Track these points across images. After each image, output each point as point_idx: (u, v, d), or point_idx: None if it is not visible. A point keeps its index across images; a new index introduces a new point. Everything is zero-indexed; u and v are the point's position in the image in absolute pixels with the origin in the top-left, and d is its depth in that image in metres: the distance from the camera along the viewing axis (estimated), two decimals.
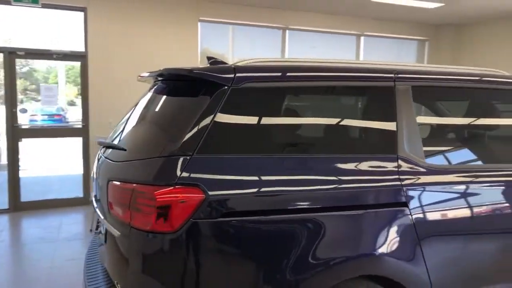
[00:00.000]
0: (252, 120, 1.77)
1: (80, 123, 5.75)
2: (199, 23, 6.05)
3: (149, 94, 2.26)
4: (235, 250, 1.61)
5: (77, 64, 5.77)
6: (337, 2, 5.93)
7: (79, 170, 5.88)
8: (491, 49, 6.98)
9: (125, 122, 2.29)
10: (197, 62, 6.10)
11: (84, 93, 5.67)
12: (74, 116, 8.78)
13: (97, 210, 2.10)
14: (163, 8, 5.83)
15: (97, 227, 2.67)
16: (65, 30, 5.70)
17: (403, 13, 6.62)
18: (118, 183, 1.73)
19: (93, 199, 2.31)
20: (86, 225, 4.90)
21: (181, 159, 1.60)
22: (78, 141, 5.78)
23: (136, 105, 2.38)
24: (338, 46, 7.19)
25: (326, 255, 1.70)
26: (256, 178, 1.67)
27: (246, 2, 6.06)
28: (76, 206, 5.67)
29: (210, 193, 1.59)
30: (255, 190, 1.65)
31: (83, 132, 5.71)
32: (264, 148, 1.75)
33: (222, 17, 6.17)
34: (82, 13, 5.55)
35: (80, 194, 5.84)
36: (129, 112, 2.39)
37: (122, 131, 2.21)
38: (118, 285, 1.73)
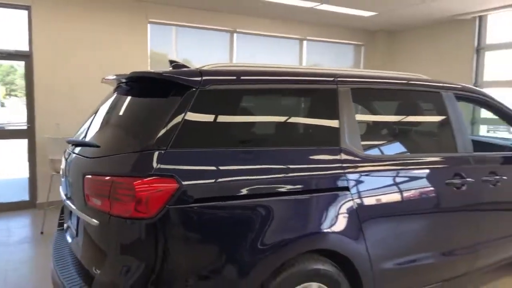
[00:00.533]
0: (218, 118, 2.01)
1: (25, 124, 5.59)
2: (148, 25, 6.13)
3: (115, 96, 2.41)
4: (206, 231, 1.84)
5: (21, 64, 5.60)
6: (281, 8, 6.30)
7: (24, 173, 5.71)
8: (418, 53, 7.75)
9: (92, 122, 2.43)
10: (147, 63, 6.18)
11: (29, 94, 5.53)
12: (3, 118, 8.39)
13: (69, 205, 2.22)
14: (112, 9, 5.84)
15: (61, 224, 2.77)
16: (8, 28, 5.52)
17: (341, 20, 7.15)
18: (96, 176, 1.89)
19: (63, 196, 2.42)
20: (34, 228, 4.82)
21: (156, 153, 1.80)
22: (22, 143, 5.62)
23: (101, 105, 2.52)
24: (283, 49, 7.58)
25: (282, 232, 1.98)
26: (222, 168, 1.91)
27: (195, 5, 6.23)
28: (22, 209, 5.52)
29: (184, 183, 1.81)
30: (222, 179, 1.89)
31: (28, 133, 5.56)
32: (228, 142, 2.00)
33: (172, 19, 6.30)
34: (26, 12, 5.42)
35: (26, 197, 5.68)
36: (95, 113, 2.52)
37: (90, 129, 2.35)
38: (97, 270, 1.88)
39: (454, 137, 2.81)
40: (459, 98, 3.01)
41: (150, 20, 6.14)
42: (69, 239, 2.42)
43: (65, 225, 2.61)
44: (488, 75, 6.83)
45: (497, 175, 2.91)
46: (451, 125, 2.82)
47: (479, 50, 6.87)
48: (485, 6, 6.14)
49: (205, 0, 5.79)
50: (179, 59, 6.52)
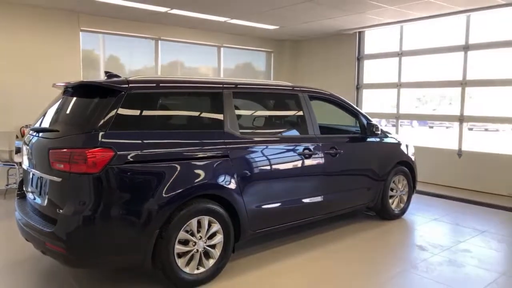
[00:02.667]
0: (140, 111, 3.13)
1: None
2: (80, 33, 6.94)
3: (64, 97, 3.42)
4: (132, 181, 2.94)
5: None
6: (199, 20, 7.43)
7: None
8: (316, 59, 9.33)
9: (45, 116, 3.42)
10: (80, 67, 6.97)
11: None
12: None
13: (35, 171, 3.20)
14: (47, 19, 6.56)
15: (20, 190, 3.71)
16: None
17: (252, 31, 8.47)
18: (59, 149, 2.92)
19: (25, 167, 3.39)
20: None
21: (100, 133, 2.87)
22: None
23: (52, 105, 3.51)
24: (203, 55, 8.72)
25: (185, 182, 3.14)
26: (143, 142, 3.03)
27: (123, 16, 7.14)
28: None
29: (118, 152, 2.90)
30: (143, 150, 3.01)
31: None
32: (148, 126, 3.13)
33: (102, 28, 7.16)
34: None
35: None
36: (47, 110, 3.50)
37: (45, 121, 3.35)
38: (60, 210, 2.90)
39: (306, 124, 4.19)
40: (313, 98, 4.42)
41: (82, 28, 6.95)
42: (31, 199, 3.37)
43: (26, 191, 3.53)
44: (366, 79, 8.58)
45: (336, 150, 4.35)
46: (304, 116, 4.20)
47: (359, 59, 8.60)
48: (363, 24, 7.80)
49: (131, 11, 6.73)
50: (111, 62, 7.41)
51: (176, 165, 3.14)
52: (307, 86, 4.49)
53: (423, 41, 7.55)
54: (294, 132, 4.32)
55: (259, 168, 3.70)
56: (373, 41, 8.45)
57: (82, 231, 2.82)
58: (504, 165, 6.49)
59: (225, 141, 3.49)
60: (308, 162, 4.08)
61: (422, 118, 8.84)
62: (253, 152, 3.68)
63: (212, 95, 3.59)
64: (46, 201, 3.11)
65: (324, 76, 9.09)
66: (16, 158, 5.52)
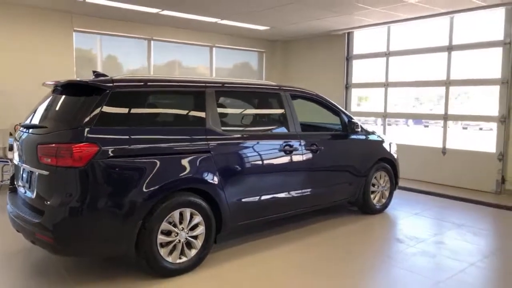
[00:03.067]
0: (124, 108, 3.31)
1: None
2: (74, 33, 7.11)
3: (53, 95, 3.59)
4: (115, 174, 3.10)
5: None
6: (191, 21, 7.60)
7: None
8: (306, 58, 9.50)
9: (35, 113, 3.58)
10: (73, 66, 7.14)
11: None
12: None
13: (25, 166, 3.37)
14: (41, 19, 6.72)
15: (11, 184, 3.87)
16: None
17: (244, 31, 8.64)
18: (46, 144, 3.09)
19: (16, 162, 3.55)
20: None
21: (86, 129, 3.04)
22: None
23: (42, 102, 3.67)
24: (195, 55, 8.90)
25: (169, 176, 3.31)
26: (126, 138, 3.20)
27: (116, 16, 7.31)
28: None
29: (102, 147, 3.07)
30: (126, 145, 3.18)
31: None
32: (131, 123, 3.30)
33: (95, 28, 7.32)
34: None
35: None
36: (37, 108, 3.66)
37: (35, 118, 3.52)
38: (47, 202, 3.07)
39: (287, 121, 4.36)
40: (295, 96, 4.60)
41: (75, 29, 7.12)
42: (21, 192, 3.54)
43: (17, 185, 3.70)
44: (355, 78, 8.76)
45: (317, 146, 4.53)
46: (286, 114, 4.38)
47: (348, 59, 8.78)
48: (351, 25, 7.97)
49: (123, 12, 6.90)
50: (107, 62, 7.58)
51: (158, 160, 3.31)
52: (289, 85, 4.66)
53: (410, 42, 7.73)
54: (275, 129, 4.49)
55: (240, 163, 3.87)
56: (361, 41, 8.63)
57: (68, 221, 2.99)
58: (485, 162, 6.67)
59: (207, 137, 3.66)
60: (288, 158, 4.25)
61: (409, 117, 9.03)
62: (234, 148, 3.85)
63: (195, 93, 3.76)
64: (35, 194, 3.28)
65: (314, 76, 9.27)
66: (10, 155, 5.68)
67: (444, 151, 7.25)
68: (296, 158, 4.32)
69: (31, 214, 3.25)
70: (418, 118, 8.81)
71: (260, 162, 4.03)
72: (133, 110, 3.41)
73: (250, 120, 4.53)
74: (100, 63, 7.65)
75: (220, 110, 3.91)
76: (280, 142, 4.22)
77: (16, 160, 3.67)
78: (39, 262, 3.73)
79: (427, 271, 3.60)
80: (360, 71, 8.71)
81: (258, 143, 4.05)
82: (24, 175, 3.49)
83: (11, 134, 5.67)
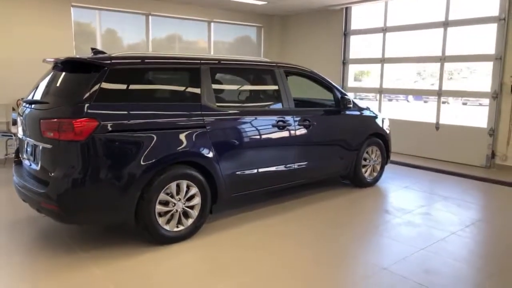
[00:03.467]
0: (122, 85, 3.45)
1: None
2: (72, 8, 7.14)
3: (53, 72, 3.73)
4: (114, 147, 3.28)
5: None
6: None
7: None
8: (304, 34, 9.52)
9: (37, 89, 3.73)
10: (72, 41, 7.21)
11: None
12: None
13: (29, 140, 3.55)
14: None
15: (16, 157, 4.06)
16: None
17: (241, 6, 8.64)
18: (49, 119, 3.25)
19: (20, 136, 3.73)
20: None
21: (86, 105, 3.20)
22: None
23: (43, 79, 3.81)
24: (194, 30, 8.92)
25: (166, 150, 3.50)
26: (124, 113, 3.36)
27: None
28: None
29: (102, 122, 3.23)
30: (124, 120, 3.34)
31: None
32: (129, 99, 3.45)
33: (94, 3, 7.35)
34: None
35: None
36: (38, 83, 3.81)
37: (37, 94, 3.66)
38: (52, 173, 3.26)
39: (281, 97, 4.51)
40: (289, 73, 4.73)
41: (73, 4, 7.15)
42: (27, 165, 3.74)
43: (22, 158, 3.89)
44: (352, 54, 8.81)
45: (310, 122, 4.68)
46: (279, 90, 4.52)
47: (346, 34, 8.80)
48: (349, 0, 7.97)
49: None
50: (106, 36, 7.63)
51: (155, 135, 3.48)
52: (283, 62, 4.78)
53: (407, 18, 7.75)
54: (269, 105, 4.64)
55: (235, 138, 4.05)
56: (359, 17, 8.63)
57: (71, 191, 3.19)
58: (477, 138, 6.84)
59: (202, 113, 3.82)
60: (281, 133, 4.42)
61: (404, 93, 9.11)
62: (229, 123, 4.01)
63: (190, 70, 3.89)
64: (39, 166, 3.47)
65: (312, 51, 9.31)
66: (13, 129, 5.86)
67: (437, 126, 7.41)
68: (289, 133, 4.49)
69: (36, 185, 3.44)
70: (413, 94, 8.92)
71: (253, 137, 4.20)
72: (131, 87, 3.55)
73: (244, 96, 4.68)
74: (100, 38, 7.70)
75: (215, 86, 4.04)
76: (274, 117, 4.38)
77: (20, 134, 3.84)
78: (44, 230, 3.97)
79: (410, 240, 3.83)
80: (358, 46, 8.75)
81: (252, 118, 4.21)
82: (28, 149, 3.67)
83: (13, 109, 5.83)
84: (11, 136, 5.99)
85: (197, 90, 3.86)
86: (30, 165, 3.66)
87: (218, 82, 4.23)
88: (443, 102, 7.47)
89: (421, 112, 10.93)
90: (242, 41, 9.88)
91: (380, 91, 8.31)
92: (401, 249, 3.62)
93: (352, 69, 8.95)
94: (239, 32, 9.73)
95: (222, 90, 4.26)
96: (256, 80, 4.75)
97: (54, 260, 3.31)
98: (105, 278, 3.04)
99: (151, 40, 8.25)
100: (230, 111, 4.07)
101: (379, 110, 8.27)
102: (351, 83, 8.97)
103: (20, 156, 4.02)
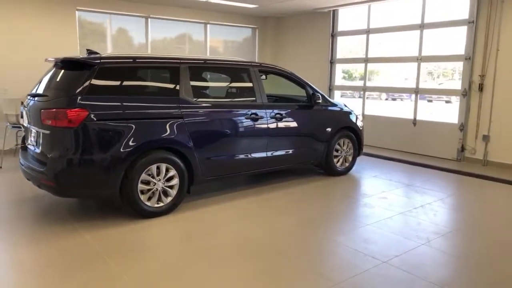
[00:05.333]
0: (109, 81, 4.07)
1: None
2: (76, 12, 7.82)
3: (54, 69, 4.37)
4: (102, 134, 3.90)
5: None
6: (186, 0, 8.22)
7: None
8: (295, 35, 10.06)
9: (40, 84, 4.38)
10: (77, 43, 7.89)
11: None
12: None
13: (32, 127, 4.19)
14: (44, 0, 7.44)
15: (23, 143, 4.71)
16: None
17: (236, 8, 9.21)
18: (47, 109, 3.89)
19: (25, 124, 4.39)
20: None
21: (79, 97, 3.82)
22: None
23: (45, 75, 4.46)
24: (191, 32, 9.53)
25: (147, 136, 4.10)
26: (111, 104, 3.98)
27: None
28: None
29: (91, 112, 3.85)
30: (111, 110, 3.96)
31: None
32: (115, 92, 4.07)
33: (97, 7, 8.01)
34: None
35: None
36: (41, 79, 4.45)
37: (40, 88, 4.31)
38: (49, 154, 3.89)
39: (255, 93, 5.09)
40: (265, 72, 5.31)
41: (78, 8, 7.82)
42: (31, 149, 4.38)
43: (27, 143, 4.54)
44: (339, 54, 9.33)
45: (281, 115, 5.25)
46: (253, 86, 5.10)
47: (333, 36, 9.32)
48: (336, 3, 8.48)
49: None
50: (110, 37, 8.28)
51: (138, 124, 4.09)
52: (258, 62, 5.39)
53: (388, 20, 8.25)
54: (243, 100, 5.22)
55: (209, 128, 4.64)
56: (346, 19, 9.14)
57: (65, 170, 3.83)
58: (449, 132, 7.32)
59: (180, 105, 4.42)
60: (254, 124, 5.00)
61: (385, 91, 9.59)
62: (204, 115, 4.61)
63: (170, 68, 4.49)
64: (40, 149, 4.12)
65: (302, 51, 9.86)
66: (22, 121, 6.53)
67: (414, 122, 7.90)
68: (261, 125, 5.06)
69: (37, 164, 4.09)
70: (394, 91, 9.39)
71: (227, 128, 4.79)
72: (118, 82, 4.17)
73: (221, 92, 5.28)
74: (109, 39, 8.36)
75: (193, 83, 4.64)
76: (246, 111, 4.96)
77: (25, 123, 4.50)
78: (46, 206, 4.61)
79: (361, 218, 4.38)
80: (344, 47, 9.27)
81: (226, 111, 4.80)
82: (32, 135, 4.32)
83: (22, 103, 6.50)
84: (20, 127, 6.67)
85: (177, 86, 4.46)
86: (34, 149, 4.30)
87: (197, 79, 4.82)
88: (429, 101, 7.95)
89: (405, 109, 11.37)
90: (237, 42, 10.47)
91: (364, 89, 8.82)
92: (350, 225, 4.17)
93: (339, 68, 9.47)
94: (235, 33, 10.32)
95: (200, 86, 4.86)
96: (232, 77, 5.35)
97: (51, 228, 3.95)
98: (93, 242, 3.66)
99: (150, 42, 8.89)
100: (206, 104, 4.67)
101: (363, 107, 8.79)
102: (338, 81, 9.49)
103: (25, 142, 4.68)
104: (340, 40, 9.27)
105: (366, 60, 8.68)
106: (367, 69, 8.71)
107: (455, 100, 7.59)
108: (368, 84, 8.77)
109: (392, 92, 9.48)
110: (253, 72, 5.15)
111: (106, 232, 3.89)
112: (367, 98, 8.92)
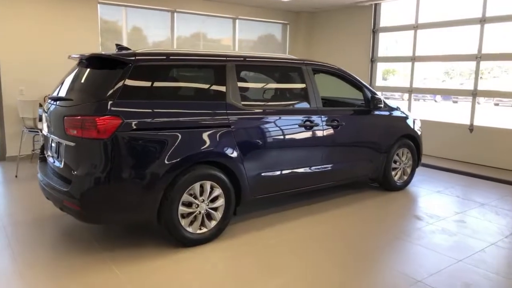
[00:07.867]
0: (146, 82, 3.36)
1: None
2: (98, 5, 7.15)
3: (78, 68, 3.68)
4: (137, 146, 3.19)
5: None
6: None
7: None
8: (331, 31, 9.28)
9: (62, 85, 3.69)
10: (98, 38, 7.23)
11: None
12: None
13: (53, 137, 3.51)
14: None
15: (41, 154, 4.04)
16: None
17: (268, 2, 8.48)
18: (72, 117, 3.19)
19: (45, 133, 3.69)
20: (9, 175, 5.90)
21: (109, 102, 3.12)
22: None
23: (68, 75, 3.77)
24: (219, 27, 8.82)
25: (189, 149, 3.38)
26: (148, 111, 3.27)
27: None
28: None
29: (125, 120, 3.15)
30: (147, 118, 3.25)
31: None
32: (153, 97, 3.35)
33: (119, 0, 7.34)
34: None
35: None
36: (64, 80, 3.77)
37: (62, 90, 3.62)
38: (75, 172, 3.20)
39: (308, 96, 4.33)
40: (317, 71, 4.55)
41: (100, 1, 7.16)
42: (51, 162, 3.70)
43: (47, 155, 3.87)
44: (381, 52, 8.52)
45: (338, 122, 4.49)
46: (307, 88, 4.34)
47: (375, 32, 8.51)
48: None
49: None
50: (133, 34, 7.63)
51: (180, 134, 3.37)
52: (311, 60, 4.60)
53: (440, 14, 7.41)
54: (296, 104, 4.47)
55: (260, 138, 3.90)
56: (389, 14, 8.33)
57: (93, 190, 3.12)
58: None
59: (227, 111, 3.69)
60: (308, 133, 4.25)
61: (436, 92, 8.75)
62: (254, 123, 3.87)
63: (215, 67, 3.76)
64: (63, 164, 3.43)
65: (339, 49, 9.07)
66: (40, 125, 5.89)
67: (471, 128, 7.06)
68: (316, 133, 4.31)
69: (59, 182, 3.40)
70: (446, 94, 8.54)
71: (280, 138, 4.05)
72: (155, 84, 3.45)
73: (270, 95, 4.53)
74: (125, 35, 7.70)
75: (240, 84, 3.91)
76: (301, 117, 4.21)
77: (45, 131, 3.82)
78: (68, 227, 3.93)
79: (445, 250, 3.60)
80: (387, 44, 8.45)
81: (278, 118, 4.05)
82: (52, 145, 3.63)
83: (40, 105, 5.86)
84: (38, 132, 6.04)
85: (223, 88, 3.74)
86: (54, 162, 3.62)
87: (244, 80, 4.09)
88: (471, 103, 7.12)
89: (450, 112, 10.53)
90: (266, 39, 9.72)
91: (410, 90, 8.00)
92: (436, 260, 3.39)
93: (381, 67, 8.66)
94: (264, 29, 9.58)
95: (248, 89, 4.12)
96: (283, 78, 4.59)
97: (75, 260, 3.26)
98: (125, 280, 2.95)
99: (176, 37, 8.19)
100: (256, 110, 3.93)
101: (409, 110, 7.96)
102: (379, 82, 8.68)
103: (44, 153, 4.00)
104: (382, 36, 8.46)
105: (413, 59, 7.85)
106: (414, 68, 7.88)
107: (506, 104, 6.75)
108: (416, 85, 7.94)
109: (443, 94, 8.64)
110: (306, 71, 4.39)
111: (139, 264, 3.19)
112: (414, 100, 8.09)
